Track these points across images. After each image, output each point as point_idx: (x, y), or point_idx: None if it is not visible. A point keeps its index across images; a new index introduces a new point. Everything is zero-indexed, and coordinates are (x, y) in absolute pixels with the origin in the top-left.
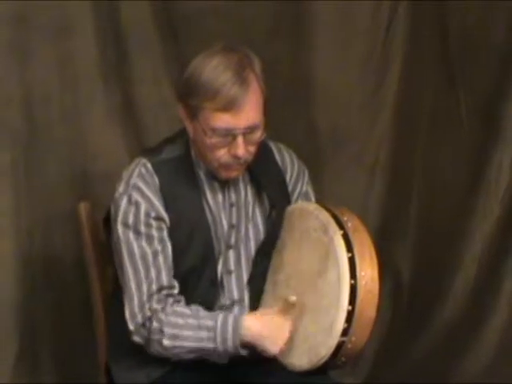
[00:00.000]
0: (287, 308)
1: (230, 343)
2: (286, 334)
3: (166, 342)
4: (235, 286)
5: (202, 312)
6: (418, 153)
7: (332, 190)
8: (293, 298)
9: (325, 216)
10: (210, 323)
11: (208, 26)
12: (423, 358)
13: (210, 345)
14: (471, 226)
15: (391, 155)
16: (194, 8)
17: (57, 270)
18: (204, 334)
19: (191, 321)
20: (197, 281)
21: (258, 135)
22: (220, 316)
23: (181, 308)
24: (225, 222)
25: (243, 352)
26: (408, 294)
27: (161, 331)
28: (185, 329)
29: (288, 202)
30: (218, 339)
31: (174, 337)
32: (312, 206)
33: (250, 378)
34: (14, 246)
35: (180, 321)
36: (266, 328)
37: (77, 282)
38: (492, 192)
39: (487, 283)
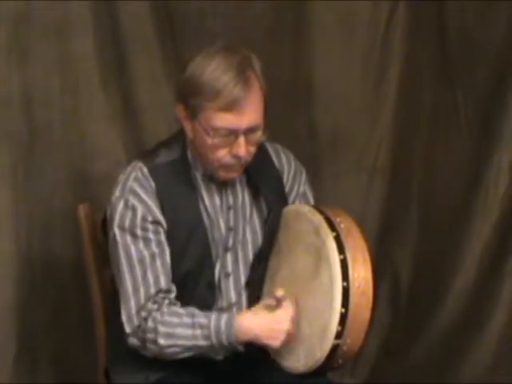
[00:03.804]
0: (278, 303)
1: (224, 341)
2: (284, 326)
3: (161, 340)
4: (233, 289)
5: (197, 311)
6: (418, 154)
7: (331, 191)
8: (280, 293)
9: (317, 218)
10: (203, 321)
11: (207, 26)
12: (423, 359)
13: (205, 342)
14: (471, 227)
15: (391, 156)
16: (193, 8)
17: (56, 271)
18: (198, 331)
19: (185, 319)
20: (194, 284)
21: (258, 135)
22: (214, 314)
23: (176, 308)
24: (222, 225)
25: (240, 348)
26: (407, 296)
27: (155, 330)
28: (179, 327)
29: (285, 204)
30: (213, 336)
31: (169, 335)
32: (306, 208)
33: (249, 379)
34: (14, 247)
35: (174, 320)
36: (259, 325)
37: (76, 284)
38: (491, 193)
39: (487, 285)
